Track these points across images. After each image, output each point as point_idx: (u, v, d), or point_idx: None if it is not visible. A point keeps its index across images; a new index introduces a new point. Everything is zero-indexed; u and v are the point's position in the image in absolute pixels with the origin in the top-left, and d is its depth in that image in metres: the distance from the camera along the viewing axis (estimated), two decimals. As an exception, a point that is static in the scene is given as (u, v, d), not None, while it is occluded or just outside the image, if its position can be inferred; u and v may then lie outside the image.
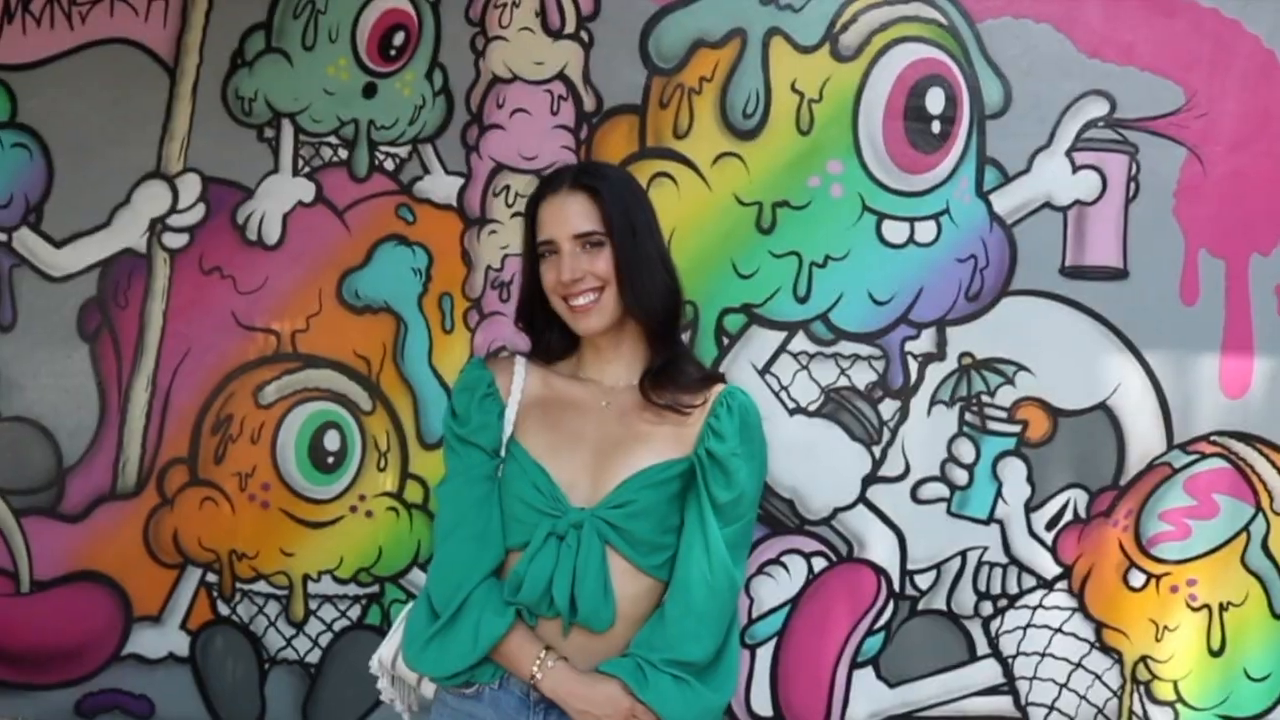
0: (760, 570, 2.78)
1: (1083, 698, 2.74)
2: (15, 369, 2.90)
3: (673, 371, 1.89)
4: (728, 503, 1.81)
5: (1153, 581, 2.71)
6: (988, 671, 2.76)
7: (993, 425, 2.73)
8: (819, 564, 2.78)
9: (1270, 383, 2.68)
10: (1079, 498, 2.72)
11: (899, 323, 2.74)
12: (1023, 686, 2.75)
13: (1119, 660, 2.73)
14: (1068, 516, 2.72)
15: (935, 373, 2.74)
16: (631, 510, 1.79)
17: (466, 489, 1.85)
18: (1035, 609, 2.74)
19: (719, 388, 1.90)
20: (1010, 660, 2.75)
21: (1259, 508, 2.69)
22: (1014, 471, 2.73)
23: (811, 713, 2.79)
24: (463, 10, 2.82)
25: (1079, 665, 2.74)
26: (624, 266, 1.83)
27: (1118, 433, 2.70)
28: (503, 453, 1.86)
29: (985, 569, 2.74)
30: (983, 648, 2.75)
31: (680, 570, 1.81)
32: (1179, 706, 2.72)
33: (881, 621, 2.77)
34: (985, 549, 2.74)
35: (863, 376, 2.75)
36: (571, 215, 1.83)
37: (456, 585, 1.79)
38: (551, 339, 1.96)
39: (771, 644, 2.79)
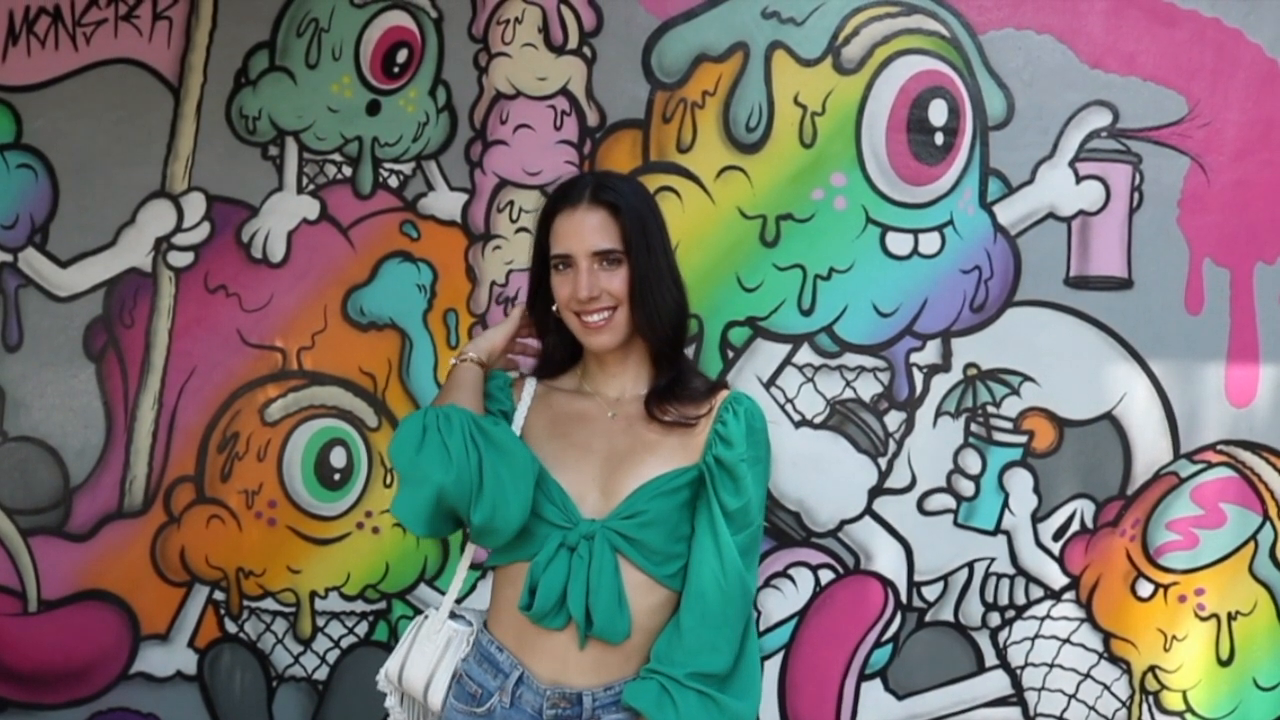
0: (767, 583, 2.78)
1: (1091, 708, 2.74)
2: (22, 389, 2.91)
3: (678, 388, 1.87)
4: (737, 509, 1.80)
5: (1161, 591, 2.71)
6: (996, 682, 2.76)
7: (999, 436, 2.73)
8: (826, 576, 2.78)
9: (1276, 391, 2.68)
10: (1086, 508, 2.72)
11: (904, 334, 2.74)
12: (1031, 697, 2.75)
13: (1127, 670, 2.72)
14: (1075, 527, 2.72)
15: (940, 384, 2.74)
16: (643, 520, 1.78)
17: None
18: (1043, 619, 2.74)
19: (724, 394, 1.88)
20: (1018, 671, 2.75)
21: (1266, 516, 2.69)
22: (1020, 482, 2.73)
23: (820, 725, 2.79)
24: (465, 27, 2.83)
25: (1087, 676, 2.74)
26: (639, 285, 1.81)
27: (1124, 442, 2.71)
28: None
29: (992, 580, 2.74)
30: (991, 659, 2.75)
31: (694, 579, 1.80)
32: (1188, 717, 2.71)
33: (889, 633, 2.77)
34: (992, 560, 2.74)
35: (868, 388, 2.75)
36: (590, 231, 1.81)
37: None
38: (552, 348, 1.94)
39: (779, 656, 2.79)
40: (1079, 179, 2.70)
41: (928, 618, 2.76)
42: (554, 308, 1.88)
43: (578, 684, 1.81)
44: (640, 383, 1.90)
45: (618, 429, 1.86)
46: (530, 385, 1.94)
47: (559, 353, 1.95)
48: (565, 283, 1.83)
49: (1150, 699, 2.72)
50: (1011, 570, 2.73)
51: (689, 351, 2.71)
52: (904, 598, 2.76)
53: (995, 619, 2.74)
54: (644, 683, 1.77)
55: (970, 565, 2.74)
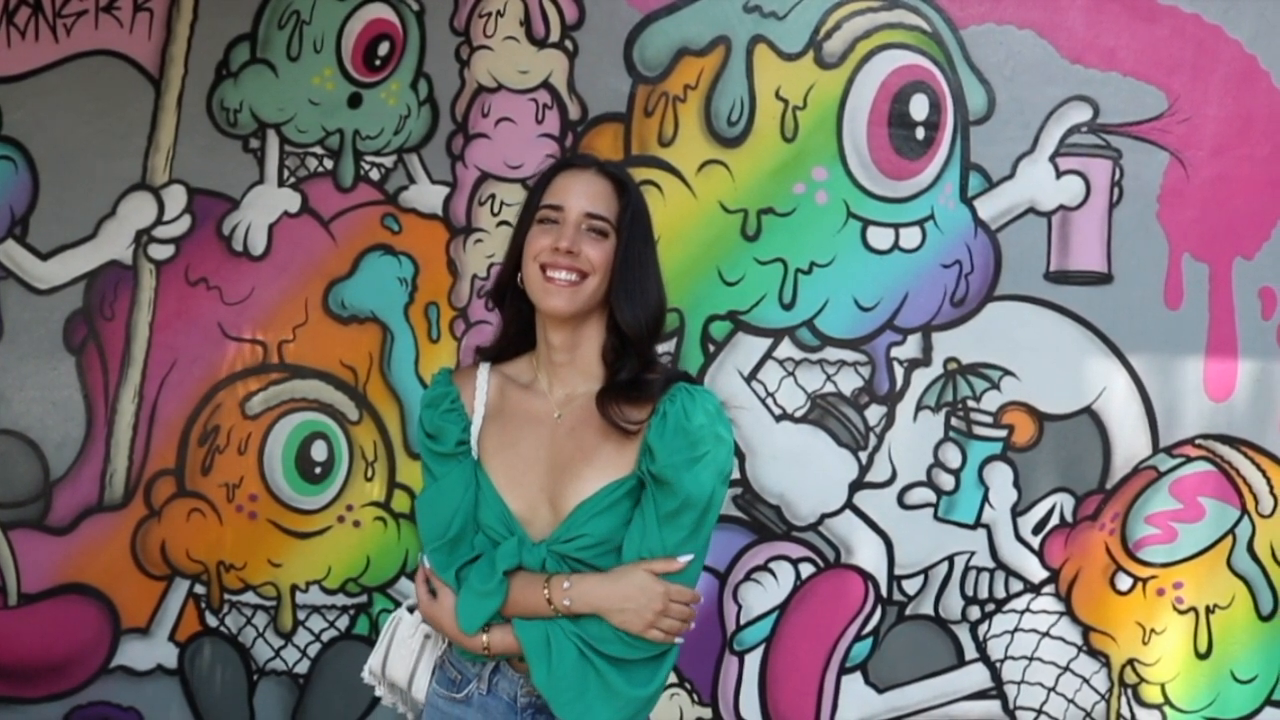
0: (748, 576, 2.78)
1: (1071, 701, 2.75)
2: (1, 382, 2.90)
3: (632, 390, 1.80)
4: (670, 511, 1.74)
5: (1139, 585, 2.72)
6: (976, 676, 2.77)
7: (979, 430, 2.74)
8: (806, 570, 2.78)
9: (1254, 385, 2.69)
10: (1065, 502, 2.73)
11: (884, 328, 2.74)
12: (1011, 690, 2.76)
13: (1106, 663, 2.73)
14: (1054, 521, 2.73)
15: (921, 378, 2.74)
16: (584, 543, 1.74)
17: (450, 495, 1.81)
18: (1023, 613, 2.75)
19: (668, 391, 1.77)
20: (998, 664, 2.76)
21: (1244, 510, 2.70)
22: (1000, 476, 2.73)
23: (800, 718, 2.79)
24: (447, 20, 2.82)
25: (1067, 669, 2.74)
26: (620, 265, 1.78)
27: (1103, 437, 2.71)
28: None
29: (972, 574, 2.75)
30: (971, 652, 2.76)
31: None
32: (1167, 709, 2.72)
33: (869, 627, 2.77)
34: (972, 554, 2.75)
35: (849, 382, 2.76)
36: (591, 193, 1.78)
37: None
38: (510, 331, 1.89)
39: (760, 650, 2.79)
40: (1059, 174, 2.71)
41: (908, 611, 2.76)
42: (519, 279, 1.83)
43: (549, 675, 1.80)
44: (590, 379, 1.82)
45: (562, 432, 1.80)
46: (483, 380, 1.88)
47: (513, 327, 1.89)
48: (546, 233, 1.76)
49: (1129, 691, 2.73)
50: (991, 564, 2.74)
51: (671, 346, 2.73)
52: (884, 591, 2.76)
53: (975, 612, 2.75)
54: (535, 623, 1.73)
55: (950, 559, 2.75)
